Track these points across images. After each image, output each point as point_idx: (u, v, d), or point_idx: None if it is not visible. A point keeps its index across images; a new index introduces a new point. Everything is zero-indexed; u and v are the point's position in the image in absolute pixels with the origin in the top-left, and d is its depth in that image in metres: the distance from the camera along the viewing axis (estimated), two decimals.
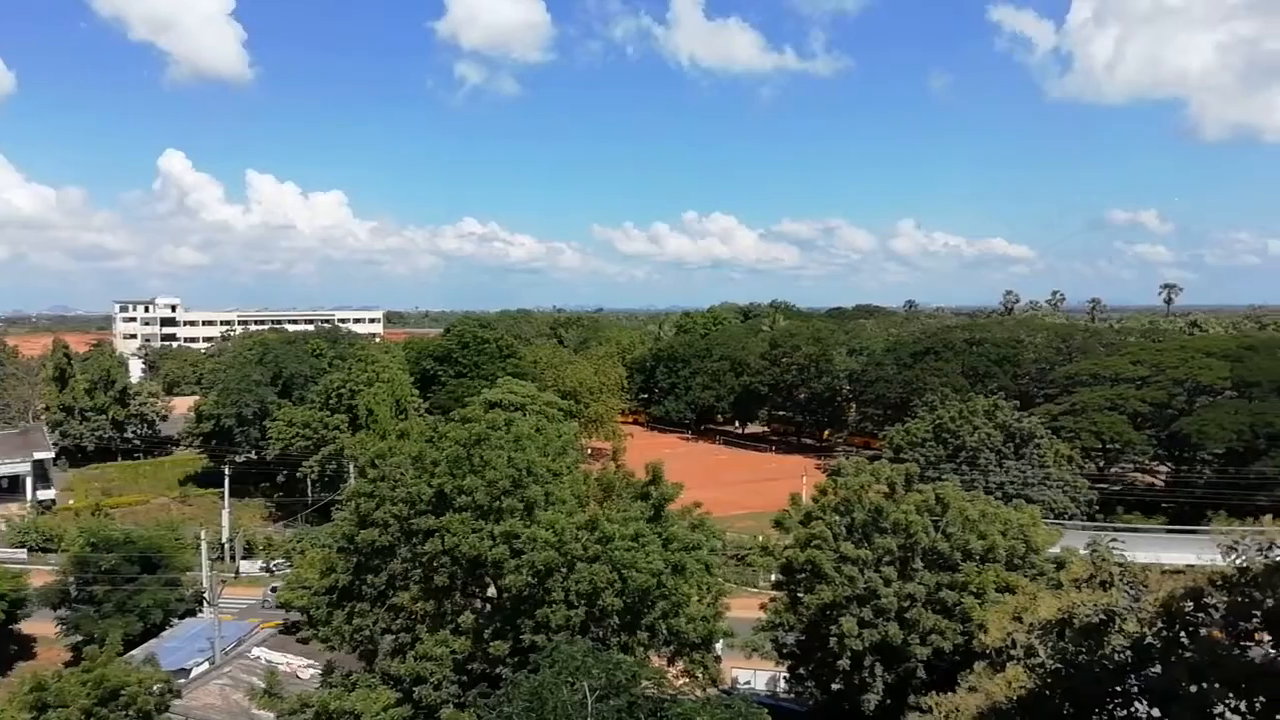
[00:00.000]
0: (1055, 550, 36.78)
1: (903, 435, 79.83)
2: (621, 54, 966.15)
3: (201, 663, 49.11)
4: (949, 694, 25.40)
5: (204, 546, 62.31)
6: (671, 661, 35.13)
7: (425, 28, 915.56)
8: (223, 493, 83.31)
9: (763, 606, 39.40)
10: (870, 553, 35.22)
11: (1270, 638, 19.84)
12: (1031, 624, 23.44)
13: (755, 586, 62.17)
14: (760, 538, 46.26)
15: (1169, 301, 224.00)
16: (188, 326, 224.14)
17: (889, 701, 34.40)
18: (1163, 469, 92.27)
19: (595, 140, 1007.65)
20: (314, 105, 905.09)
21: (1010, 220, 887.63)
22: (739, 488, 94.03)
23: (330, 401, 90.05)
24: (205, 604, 58.64)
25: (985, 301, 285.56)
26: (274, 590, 64.29)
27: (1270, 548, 19.58)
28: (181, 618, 57.93)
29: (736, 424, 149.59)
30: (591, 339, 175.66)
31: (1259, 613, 19.84)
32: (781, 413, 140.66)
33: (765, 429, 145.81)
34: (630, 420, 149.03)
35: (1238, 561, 19.91)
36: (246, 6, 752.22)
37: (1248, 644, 20.09)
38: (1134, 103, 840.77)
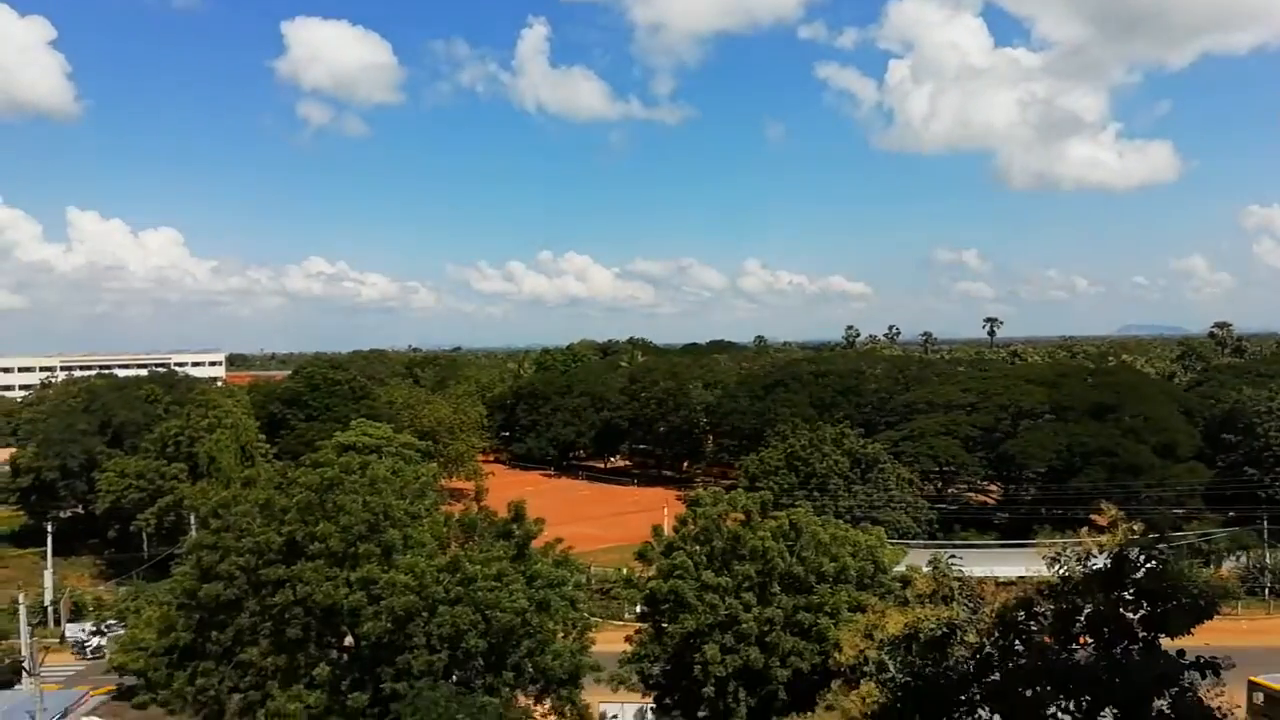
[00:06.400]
0: (901, 568, 38.70)
1: (757, 464, 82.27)
2: (472, 96, 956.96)
3: None
4: (808, 714, 26.27)
5: (22, 610, 57.08)
6: (538, 700, 34.78)
7: (264, 66, 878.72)
8: (44, 551, 76.63)
9: (629, 639, 39.56)
10: (730, 580, 36.06)
11: (1092, 640, 21.66)
12: (881, 640, 24.62)
13: (621, 619, 62.25)
14: (624, 570, 46.52)
15: (992, 334, 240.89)
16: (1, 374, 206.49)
17: None
18: (994, 488, 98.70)
19: (447, 180, 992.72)
20: (142, 140, 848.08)
21: (849, 259, 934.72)
22: (602, 521, 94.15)
23: (167, 450, 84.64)
24: (25, 673, 53.58)
25: (829, 336, 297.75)
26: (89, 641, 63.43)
27: (1088, 557, 21.40)
28: None
29: (599, 459, 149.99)
30: (449, 378, 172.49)
31: (1081, 618, 21.63)
32: (642, 446, 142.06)
33: (627, 463, 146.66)
34: (492, 459, 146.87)
35: (1061, 571, 21.67)
36: (70, 38, 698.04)
37: (1073, 647, 21.84)
38: (950, 153, 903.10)
